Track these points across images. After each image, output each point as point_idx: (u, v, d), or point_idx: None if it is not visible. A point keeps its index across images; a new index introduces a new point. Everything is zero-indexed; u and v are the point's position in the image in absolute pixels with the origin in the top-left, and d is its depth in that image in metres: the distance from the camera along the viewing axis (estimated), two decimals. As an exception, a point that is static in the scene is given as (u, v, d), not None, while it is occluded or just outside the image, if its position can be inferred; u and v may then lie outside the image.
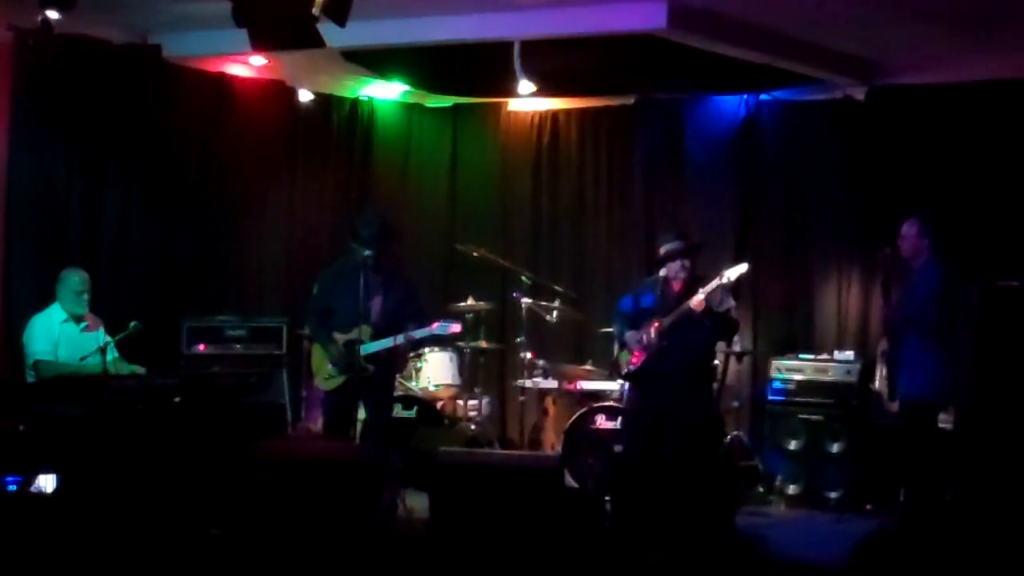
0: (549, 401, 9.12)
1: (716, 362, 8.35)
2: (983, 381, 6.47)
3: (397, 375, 8.39)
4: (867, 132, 9.21)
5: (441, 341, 8.93)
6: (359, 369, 7.43)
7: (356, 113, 10.50)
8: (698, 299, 7.24)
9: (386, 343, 7.52)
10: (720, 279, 7.31)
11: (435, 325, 7.59)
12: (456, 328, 7.69)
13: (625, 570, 3.45)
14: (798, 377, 8.79)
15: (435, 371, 9.29)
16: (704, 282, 7.36)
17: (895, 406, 7.83)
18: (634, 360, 7.49)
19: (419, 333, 7.55)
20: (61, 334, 7.87)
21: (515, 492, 6.62)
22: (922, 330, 7.37)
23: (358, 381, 7.45)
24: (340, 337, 7.57)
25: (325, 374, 7.68)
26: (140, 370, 7.88)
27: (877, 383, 8.50)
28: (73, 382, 7.54)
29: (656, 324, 7.33)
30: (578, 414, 8.56)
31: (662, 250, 7.51)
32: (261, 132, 9.85)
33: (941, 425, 7.51)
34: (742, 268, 7.46)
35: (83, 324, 7.97)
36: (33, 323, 7.89)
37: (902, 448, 8.15)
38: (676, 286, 7.46)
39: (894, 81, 9.11)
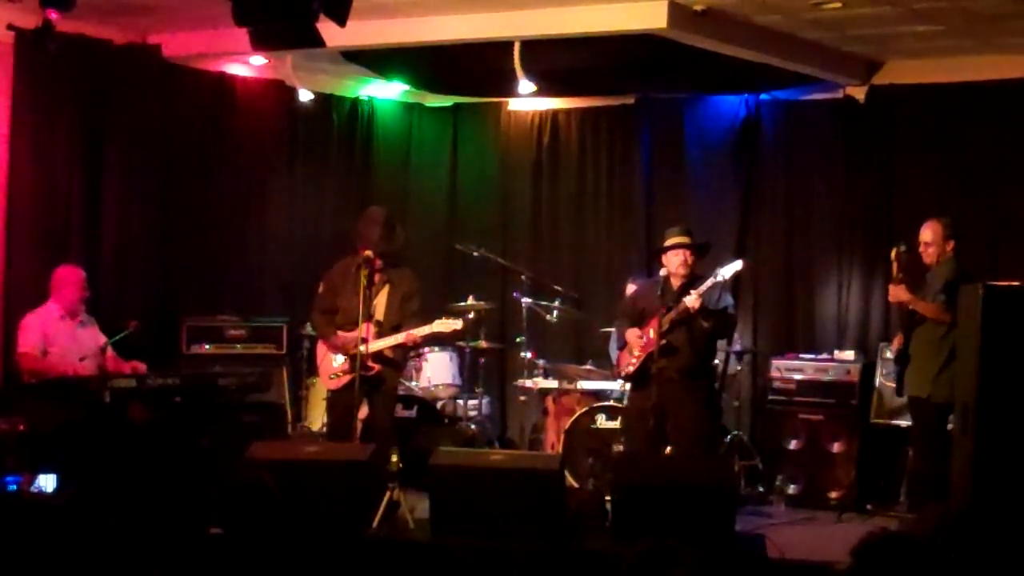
0: (549, 401, 9.11)
1: (716, 361, 8.35)
2: (984, 382, 6.45)
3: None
4: (867, 132, 9.21)
5: (442, 340, 8.93)
6: (363, 368, 7.42)
7: (356, 113, 10.50)
8: (693, 298, 7.23)
9: (388, 341, 7.51)
10: (715, 277, 7.30)
11: (436, 323, 7.58)
12: (457, 325, 7.68)
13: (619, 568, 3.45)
14: (798, 377, 8.79)
15: (435, 371, 9.29)
16: (701, 281, 7.35)
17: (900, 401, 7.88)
18: (634, 360, 7.48)
19: (419, 331, 7.53)
20: (57, 332, 7.87)
21: (515, 492, 6.62)
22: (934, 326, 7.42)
23: (362, 380, 7.43)
24: (344, 335, 7.56)
25: (331, 373, 7.67)
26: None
27: (879, 380, 8.53)
28: (73, 382, 7.55)
29: (655, 323, 7.32)
30: (578, 414, 8.55)
31: (668, 241, 7.50)
32: (261, 132, 9.85)
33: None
34: (737, 265, 7.45)
35: (79, 322, 7.98)
36: (26, 320, 7.90)
37: (905, 447, 8.17)
38: (675, 283, 7.46)
39: (894, 81, 9.11)
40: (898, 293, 7.58)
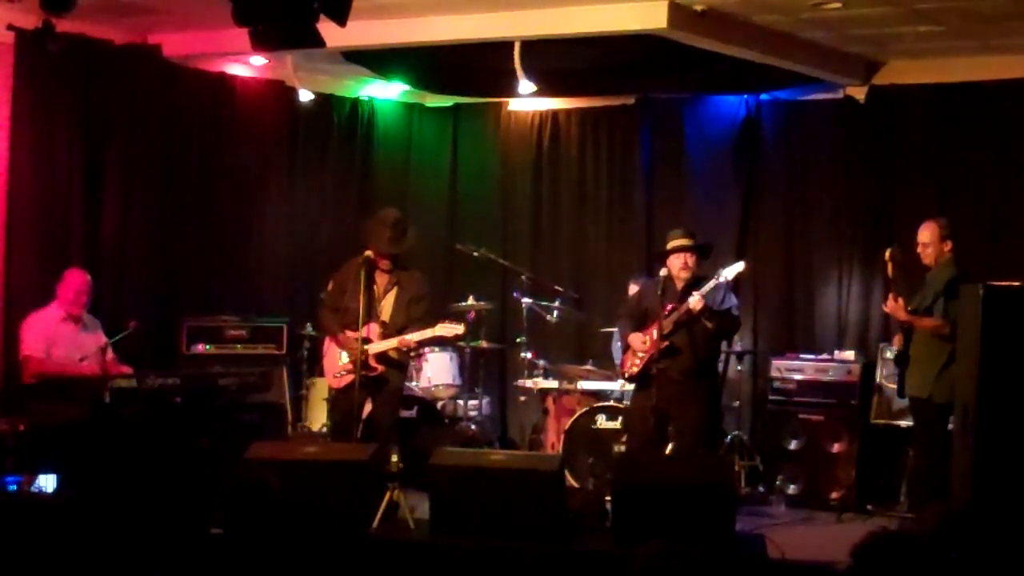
0: (549, 401, 9.11)
1: (720, 360, 8.33)
2: (984, 382, 6.45)
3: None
4: (867, 132, 9.21)
5: (442, 341, 8.93)
6: (367, 368, 7.42)
7: (356, 113, 10.50)
8: (696, 299, 7.24)
9: (384, 344, 7.51)
10: (717, 279, 7.32)
11: (438, 327, 7.57)
12: (459, 330, 7.68)
13: (625, 570, 3.46)
14: (798, 377, 8.78)
15: (435, 371, 9.29)
16: (704, 282, 7.36)
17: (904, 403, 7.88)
18: (637, 361, 7.49)
19: (414, 336, 7.52)
20: (59, 334, 7.88)
21: (515, 492, 6.62)
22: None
23: (366, 380, 7.43)
24: (350, 335, 7.56)
25: (336, 372, 7.67)
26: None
27: (880, 379, 8.51)
28: (73, 382, 7.55)
29: (658, 325, 7.32)
30: (578, 414, 8.55)
31: (669, 244, 7.50)
32: (261, 132, 9.85)
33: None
34: (739, 267, 7.46)
35: (82, 325, 7.98)
36: (29, 320, 7.91)
37: (905, 447, 8.16)
38: (678, 285, 7.47)
39: (894, 81, 9.11)
40: (896, 311, 7.58)
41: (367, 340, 7.44)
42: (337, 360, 7.68)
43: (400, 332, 7.53)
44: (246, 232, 9.85)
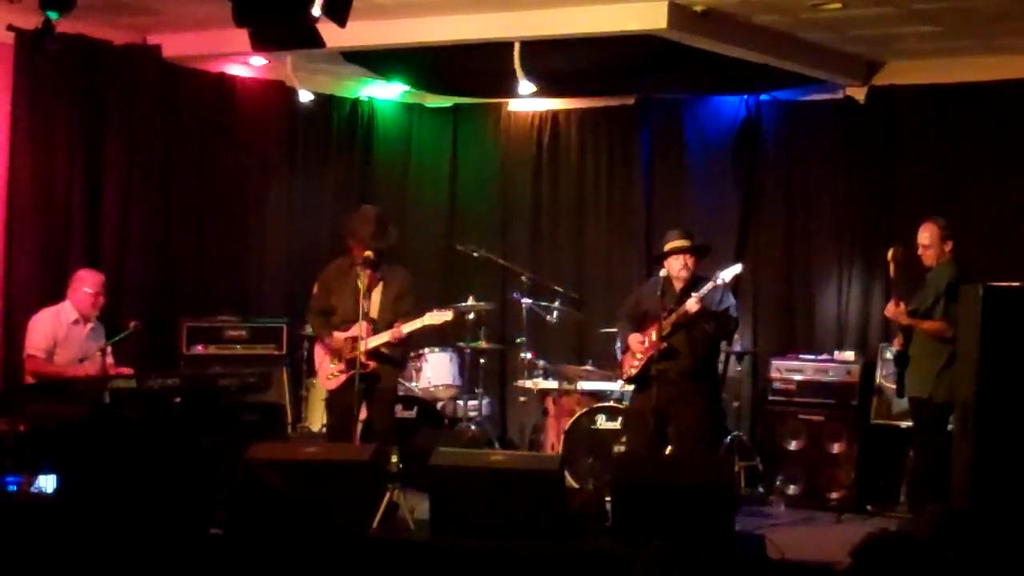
0: (549, 402, 9.11)
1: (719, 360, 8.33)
2: (984, 382, 6.45)
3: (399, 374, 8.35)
4: (867, 132, 9.21)
5: (442, 341, 8.93)
6: (359, 366, 7.43)
7: (356, 113, 10.50)
8: (693, 302, 7.25)
9: (383, 337, 7.52)
10: (715, 280, 7.33)
11: (427, 315, 7.59)
12: (447, 316, 7.68)
13: (625, 570, 3.46)
14: (798, 377, 8.78)
15: (435, 371, 9.28)
16: (703, 283, 7.37)
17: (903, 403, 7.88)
18: (636, 363, 7.49)
19: (410, 326, 7.53)
20: (67, 336, 7.86)
21: (515, 493, 6.62)
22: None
23: (360, 379, 7.44)
24: (340, 335, 7.57)
25: (328, 373, 7.68)
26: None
27: (880, 380, 8.51)
28: (73, 383, 7.55)
29: (657, 326, 7.33)
30: (578, 415, 8.55)
31: (667, 246, 7.51)
32: (261, 132, 9.85)
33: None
34: (736, 269, 7.48)
35: (91, 328, 7.97)
36: (37, 318, 7.89)
37: (905, 447, 8.17)
38: (677, 286, 7.47)
39: (894, 81, 9.11)
40: (898, 317, 7.58)
41: (359, 338, 7.44)
42: (329, 362, 7.70)
43: (389, 327, 7.54)
44: (246, 232, 9.85)
